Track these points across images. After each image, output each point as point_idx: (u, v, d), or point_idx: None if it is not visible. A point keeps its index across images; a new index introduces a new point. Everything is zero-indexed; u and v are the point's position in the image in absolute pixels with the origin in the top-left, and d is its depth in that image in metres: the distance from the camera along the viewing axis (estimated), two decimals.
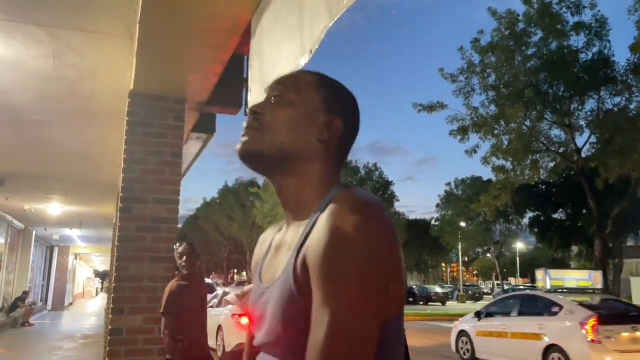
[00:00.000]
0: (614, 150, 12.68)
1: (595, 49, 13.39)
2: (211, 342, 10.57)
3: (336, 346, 0.73)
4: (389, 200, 31.77)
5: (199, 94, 3.91)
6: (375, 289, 0.75)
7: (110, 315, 3.61)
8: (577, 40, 13.50)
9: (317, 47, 1.63)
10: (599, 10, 13.22)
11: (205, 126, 4.86)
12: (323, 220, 0.80)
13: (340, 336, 0.73)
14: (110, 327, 3.55)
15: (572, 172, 16.87)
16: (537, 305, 8.95)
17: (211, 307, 11.38)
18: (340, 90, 1.01)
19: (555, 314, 8.33)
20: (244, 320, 9.95)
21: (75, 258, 29.53)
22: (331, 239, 0.76)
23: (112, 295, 3.62)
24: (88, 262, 39.78)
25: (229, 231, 40.55)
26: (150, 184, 3.77)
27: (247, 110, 1.01)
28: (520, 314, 9.15)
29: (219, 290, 13.42)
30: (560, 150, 13.97)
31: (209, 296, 12.52)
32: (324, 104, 0.96)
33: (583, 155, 13.69)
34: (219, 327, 10.66)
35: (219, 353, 10.45)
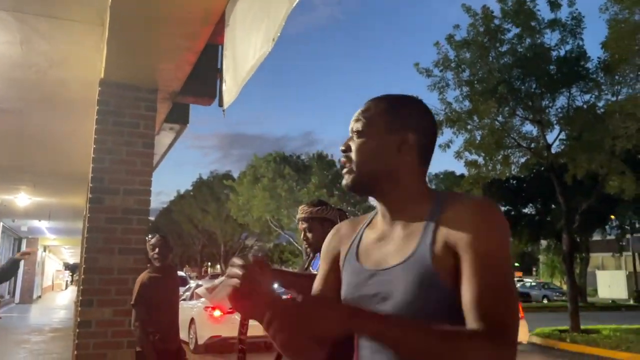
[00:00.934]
0: (582, 147, 12.96)
1: (568, 47, 13.65)
2: (183, 335, 10.50)
3: (507, 297, 0.98)
4: None
5: (171, 83, 3.85)
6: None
7: (79, 308, 3.55)
8: (550, 38, 13.74)
9: (279, 35, 1.62)
10: (576, 9, 13.47)
11: (179, 117, 4.80)
12: (467, 216, 1.05)
13: (507, 290, 0.99)
14: (78, 319, 3.49)
15: (542, 168, 17.21)
16: None
17: (184, 300, 11.30)
18: (406, 106, 1.19)
19: None
20: (217, 313, 9.91)
21: (45, 250, 28.91)
22: (486, 229, 1.03)
23: (81, 287, 3.56)
24: (58, 254, 38.98)
25: (203, 224, 40.17)
26: (121, 174, 3.71)
27: (340, 149, 1.20)
28: None
29: (192, 283, 13.31)
30: (531, 146, 14.21)
31: (182, 289, 12.45)
32: (392, 125, 1.15)
33: (553, 151, 13.95)
34: (192, 320, 10.58)
35: (192, 346, 10.38)
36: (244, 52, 2.14)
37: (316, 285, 1.31)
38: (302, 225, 2.67)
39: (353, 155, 1.16)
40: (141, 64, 3.58)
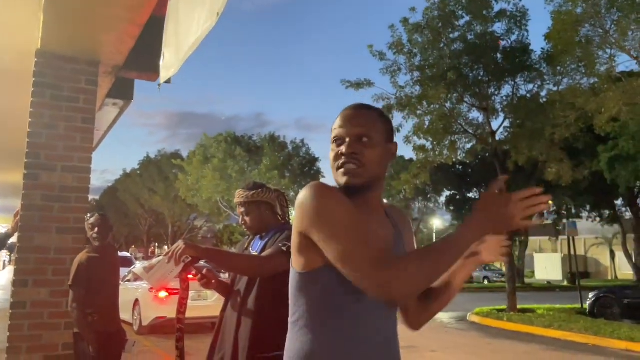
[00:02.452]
0: (524, 135, 13.47)
1: (514, 37, 14.06)
2: (127, 316, 10.29)
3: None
4: (316, 176, 32.00)
5: (114, 57, 3.70)
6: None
7: (12, 288, 3.41)
8: (500, 27, 14.10)
9: (223, 9, 1.58)
10: (520, 0, 13.87)
11: (122, 92, 4.63)
12: (407, 218, 1.58)
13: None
14: (12, 300, 3.35)
15: (487, 154, 17.76)
16: None
17: (128, 281, 11.05)
18: (389, 119, 1.44)
19: None
20: (163, 294, 9.75)
21: None
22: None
23: (16, 267, 3.41)
24: None
25: (151, 204, 39.28)
26: (59, 151, 3.55)
27: (346, 149, 1.33)
28: None
29: (138, 264, 13.03)
30: (477, 133, 14.62)
31: (126, 270, 12.15)
32: (387, 135, 1.39)
33: (497, 138, 14.40)
34: (136, 302, 10.38)
35: (135, 327, 10.20)
36: (187, 26, 2.07)
37: (373, 236, 1.36)
38: (240, 210, 2.63)
39: (365, 160, 1.32)
40: (80, 34, 3.42)
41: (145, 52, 3.80)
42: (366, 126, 1.33)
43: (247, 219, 2.60)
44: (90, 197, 4.24)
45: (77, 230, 3.54)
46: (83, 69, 3.68)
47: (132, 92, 4.76)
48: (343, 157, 1.32)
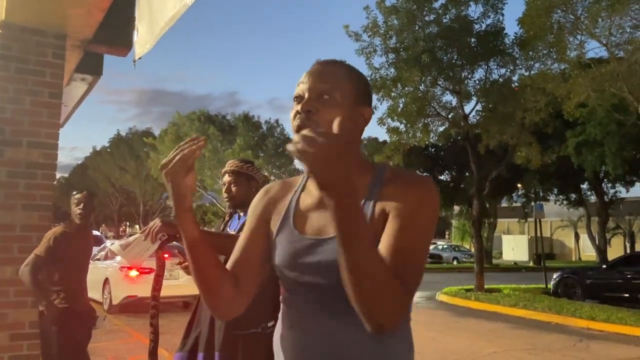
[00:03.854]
0: (496, 119, 13.68)
1: (489, 21, 14.16)
2: (97, 295, 10.20)
3: (413, 256, 1.06)
4: (290, 156, 31.94)
5: (82, 30, 3.59)
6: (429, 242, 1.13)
7: None
8: (475, 11, 14.18)
9: None
10: None
11: (91, 67, 4.50)
12: (404, 187, 1.11)
13: (417, 252, 1.07)
14: None
15: (459, 137, 17.99)
16: None
17: (98, 260, 10.92)
18: (364, 80, 1.22)
19: None
20: (133, 273, 9.68)
21: None
22: (419, 201, 1.09)
23: None
24: None
25: (121, 182, 38.68)
26: (24, 126, 3.45)
27: (301, 106, 1.13)
28: None
29: (108, 243, 12.87)
30: (450, 116, 14.78)
31: (96, 249, 12.01)
32: (358, 97, 1.17)
33: (469, 121, 14.60)
34: (106, 280, 10.29)
35: (105, 306, 10.12)
36: (162, 1, 2.02)
37: (241, 242, 1.26)
38: (228, 178, 2.64)
39: (320, 119, 1.10)
40: (47, 6, 3.30)
41: (115, 26, 3.70)
42: (330, 83, 1.14)
43: (233, 188, 2.61)
44: (59, 174, 4.18)
45: (44, 208, 3.47)
46: (49, 42, 3.56)
47: (102, 67, 4.63)
48: (299, 116, 1.13)
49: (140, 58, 3.17)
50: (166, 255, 2.38)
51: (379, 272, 0.95)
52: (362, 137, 1.30)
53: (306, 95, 1.13)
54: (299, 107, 1.13)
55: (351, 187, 0.90)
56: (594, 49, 26.60)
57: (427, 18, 14.09)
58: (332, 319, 1.10)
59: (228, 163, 2.69)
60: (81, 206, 3.62)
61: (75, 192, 3.74)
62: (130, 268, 9.59)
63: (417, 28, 14.09)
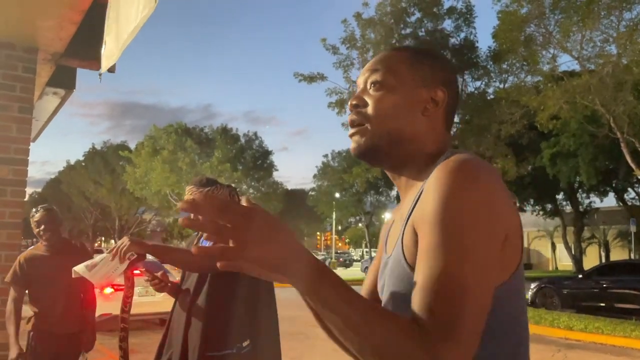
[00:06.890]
0: (472, 130, 13.90)
1: (463, 35, 14.43)
2: None
3: (442, 297, 0.71)
4: (268, 169, 31.81)
5: (54, 43, 3.52)
6: (486, 245, 0.75)
7: None
8: (449, 25, 14.45)
9: None
10: None
11: (63, 81, 4.41)
12: (429, 184, 0.81)
13: (448, 287, 0.72)
14: None
15: None
16: None
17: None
18: (435, 59, 1.01)
19: None
20: (108, 290, 9.46)
21: None
22: (438, 199, 0.77)
23: None
24: None
25: (96, 197, 38.01)
26: None
27: (350, 102, 0.98)
28: None
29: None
30: None
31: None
32: (423, 79, 0.96)
33: None
34: None
35: None
36: (127, 12, 1.98)
37: (368, 276, 1.15)
38: None
39: (370, 110, 0.94)
40: (17, 18, 3.22)
41: (88, 40, 3.63)
42: (381, 69, 0.96)
43: (200, 217, 2.51)
44: (32, 189, 4.04)
45: (13, 225, 3.35)
46: (20, 56, 3.48)
47: (74, 81, 4.53)
48: (351, 111, 0.98)
49: (109, 71, 3.10)
50: (137, 272, 2.31)
51: (384, 337, 0.70)
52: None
53: (360, 87, 1.00)
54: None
55: (305, 261, 0.70)
56: (566, 62, 27.31)
57: (403, 32, 14.30)
58: None
59: (187, 190, 2.53)
60: (42, 227, 3.31)
61: (33, 212, 3.38)
62: (104, 287, 9.37)
63: (393, 41, 14.27)
